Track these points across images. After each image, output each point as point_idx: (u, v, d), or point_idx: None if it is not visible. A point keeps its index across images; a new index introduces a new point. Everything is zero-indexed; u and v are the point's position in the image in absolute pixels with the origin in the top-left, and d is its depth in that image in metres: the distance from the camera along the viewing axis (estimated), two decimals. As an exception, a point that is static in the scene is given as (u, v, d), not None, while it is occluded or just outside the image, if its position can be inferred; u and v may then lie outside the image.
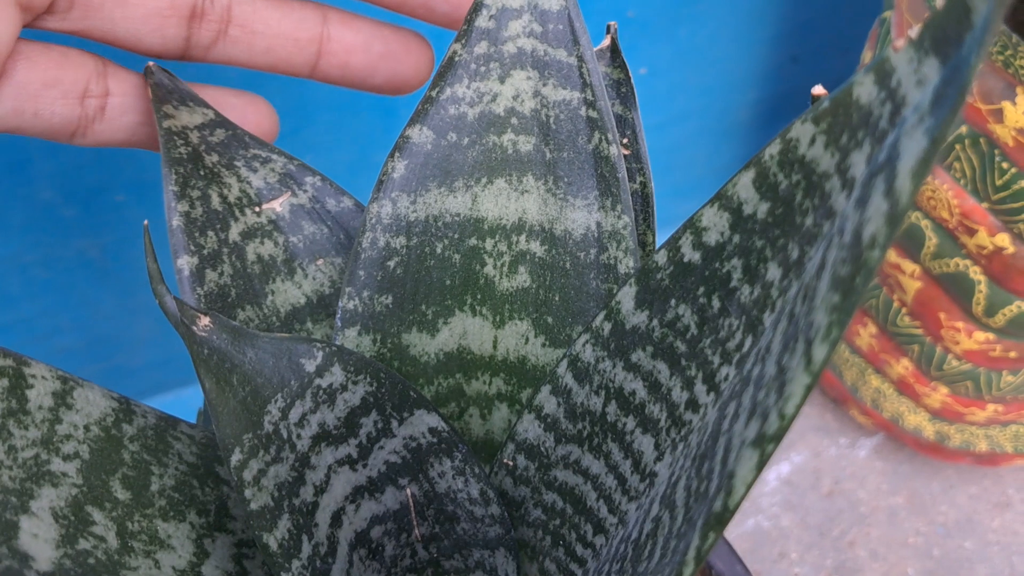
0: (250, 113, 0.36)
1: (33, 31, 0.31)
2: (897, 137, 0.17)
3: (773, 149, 0.22)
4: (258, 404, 0.24)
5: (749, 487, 0.19)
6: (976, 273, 0.50)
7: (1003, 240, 0.47)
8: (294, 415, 0.25)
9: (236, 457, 0.23)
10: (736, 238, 0.23)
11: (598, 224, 0.30)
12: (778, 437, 0.18)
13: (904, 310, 0.56)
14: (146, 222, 0.25)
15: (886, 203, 0.16)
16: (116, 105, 0.33)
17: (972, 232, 0.48)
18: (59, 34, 0.32)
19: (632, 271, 0.30)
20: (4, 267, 0.53)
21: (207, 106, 0.33)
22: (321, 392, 0.26)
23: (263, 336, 0.24)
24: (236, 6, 0.34)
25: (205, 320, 0.24)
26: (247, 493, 0.24)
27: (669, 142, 0.65)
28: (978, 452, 0.61)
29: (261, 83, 0.49)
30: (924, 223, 0.51)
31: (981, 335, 0.53)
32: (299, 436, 0.25)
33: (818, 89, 0.24)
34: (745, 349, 0.22)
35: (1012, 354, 0.53)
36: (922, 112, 0.17)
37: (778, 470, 0.66)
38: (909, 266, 0.53)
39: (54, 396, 0.25)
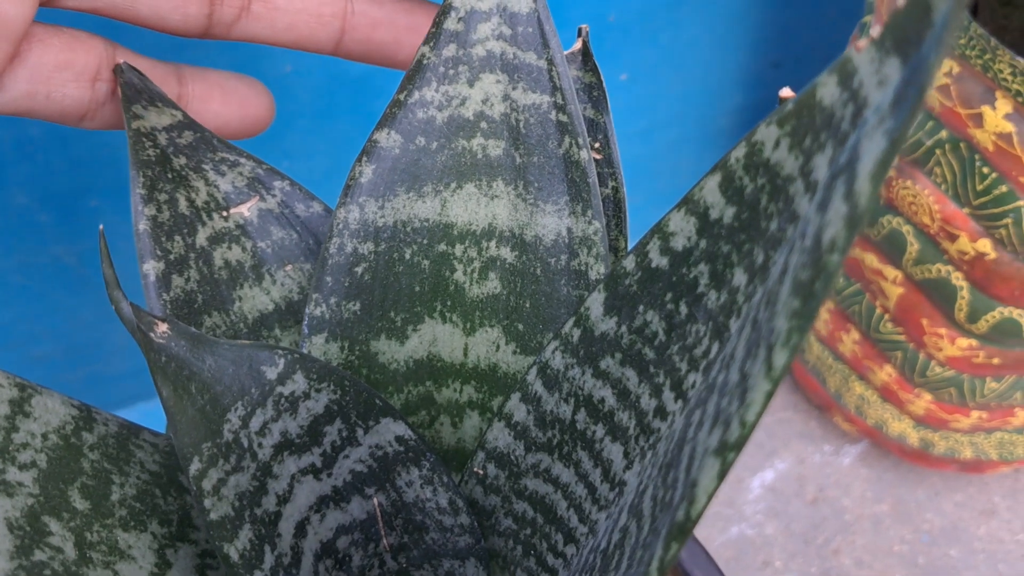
0: (251, 97, 0.35)
1: (51, 10, 0.31)
2: (858, 139, 0.17)
3: (739, 152, 0.21)
4: (217, 412, 0.24)
5: (711, 496, 0.18)
6: (958, 279, 0.50)
7: (984, 246, 0.47)
8: (255, 423, 0.25)
9: (195, 466, 0.23)
10: (703, 243, 0.23)
11: (569, 230, 0.29)
12: (739, 445, 0.18)
13: (887, 316, 0.55)
14: (101, 227, 0.25)
15: (845, 206, 0.16)
16: None
17: (954, 238, 0.48)
18: (78, 12, 0.32)
19: (603, 277, 0.29)
20: (-21, 274, 0.53)
21: (175, 107, 0.32)
22: (283, 400, 0.25)
23: (223, 343, 0.24)
24: None
25: (163, 327, 0.23)
26: (207, 503, 0.23)
27: (651, 148, 0.65)
28: (963, 459, 0.60)
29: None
30: (906, 228, 0.51)
31: (964, 341, 0.53)
32: (260, 445, 0.25)
33: (785, 91, 0.24)
34: (712, 355, 0.22)
35: (995, 360, 0.53)
36: (882, 113, 0.16)
37: (762, 477, 0.65)
38: (891, 272, 0.53)
39: (11, 404, 0.25)
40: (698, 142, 0.67)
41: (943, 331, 0.53)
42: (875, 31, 0.18)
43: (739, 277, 0.21)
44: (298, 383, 0.25)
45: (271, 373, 0.25)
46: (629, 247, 0.32)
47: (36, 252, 0.53)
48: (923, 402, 0.58)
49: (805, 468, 0.65)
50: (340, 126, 0.54)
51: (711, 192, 0.22)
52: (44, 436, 0.25)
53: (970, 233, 0.47)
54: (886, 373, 0.58)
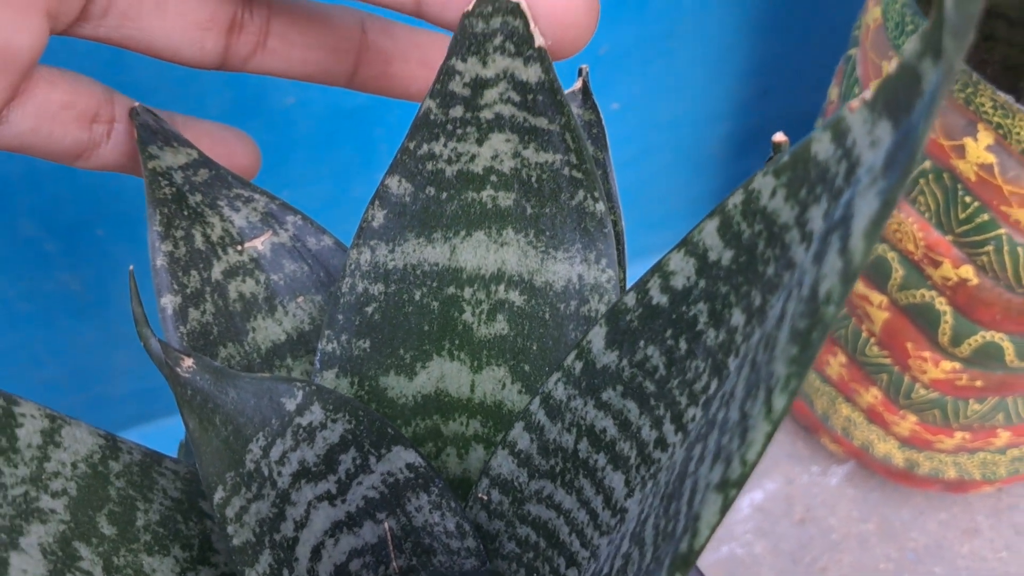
0: (238, 147, 0.36)
1: (64, 38, 0.32)
2: (852, 196, 0.18)
3: (736, 199, 0.23)
4: (240, 443, 0.25)
5: (713, 530, 0.20)
6: (942, 304, 0.51)
7: (967, 272, 0.49)
8: (275, 453, 0.26)
9: (219, 495, 0.24)
10: (702, 283, 0.24)
11: (580, 276, 0.30)
12: (740, 483, 0.19)
13: (872, 340, 0.57)
14: (131, 267, 0.26)
15: (841, 261, 0.17)
16: (119, 131, 0.34)
17: (937, 264, 0.49)
18: (91, 41, 0.32)
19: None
20: (-15, 299, 0.54)
21: (191, 146, 0.33)
22: (301, 430, 0.26)
23: (245, 376, 0.25)
24: (274, 18, 0.33)
25: (188, 362, 0.24)
26: (229, 529, 0.24)
27: (642, 175, 0.66)
28: (947, 479, 0.62)
29: (242, 116, 0.50)
30: (891, 255, 0.52)
31: (948, 364, 0.54)
32: (280, 473, 0.26)
33: (779, 136, 0.25)
34: (711, 391, 0.23)
35: (978, 383, 0.54)
36: (875, 174, 0.17)
37: (751, 497, 0.67)
38: (877, 297, 0.54)
39: (43, 434, 0.26)
40: (689, 168, 0.68)
41: (927, 354, 0.54)
42: (867, 93, 0.19)
43: (737, 317, 0.23)
44: (315, 414, 0.26)
45: (290, 404, 0.26)
46: (627, 278, 0.33)
47: (42, 279, 0.54)
48: (908, 423, 0.59)
49: (793, 488, 0.67)
50: (341, 156, 0.55)
51: (710, 235, 0.23)
52: (74, 465, 0.26)
53: (953, 260, 0.49)
54: (872, 395, 0.59)
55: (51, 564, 0.25)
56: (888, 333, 0.55)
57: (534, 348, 0.31)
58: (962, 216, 0.47)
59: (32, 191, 0.49)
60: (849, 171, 0.19)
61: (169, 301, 0.31)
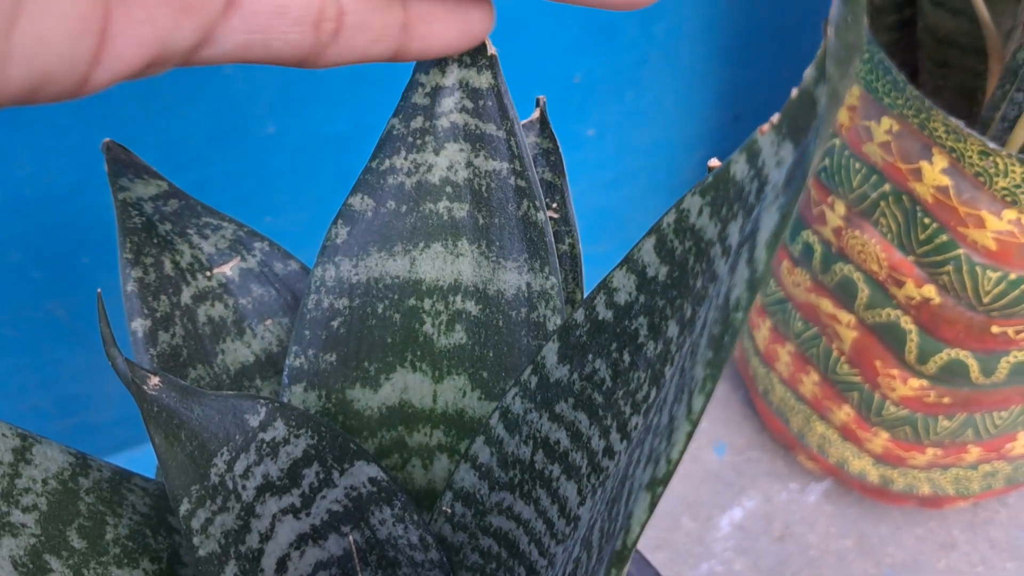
0: (474, 10, 0.31)
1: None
2: (759, 212, 0.19)
3: (670, 218, 0.24)
4: (205, 457, 0.26)
5: (643, 526, 0.21)
6: (907, 323, 0.52)
7: (930, 291, 0.50)
8: (239, 467, 0.27)
9: (184, 507, 0.25)
10: (642, 298, 0.25)
11: (528, 285, 0.32)
12: (666, 480, 0.20)
13: (843, 358, 0.58)
14: (99, 290, 0.27)
15: (748, 270, 0.18)
16: (351, 25, 0.29)
17: (900, 284, 0.51)
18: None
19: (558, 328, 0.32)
20: (-27, 328, 0.55)
21: (161, 178, 0.34)
22: (265, 445, 0.27)
23: (210, 394, 0.26)
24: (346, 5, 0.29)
25: (155, 380, 0.25)
26: (195, 540, 0.26)
27: (618, 200, 0.67)
28: (921, 495, 0.62)
29: (223, 145, 0.51)
30: (856, 275, 0.53)
31: (915, 382, 0.55)
32: (244, 487, 0.27)
33: (713, 162, 0.27)
34: (651, 400, 0.24)
35: (946, 400, 0.56)
36: (777, 190, 0.19)
37: (731, 515, 0.67)
38: (845, 316, 0.56)
39: (14, 452, 0.27)
40: (664, 193, 0.70)
41: (895, 372, 0.55)
42: (775, 117, 0.20)
43: (672, 329, 0.24)
44: (278, 429, 0.28)
45: (254, 421, 0.27)
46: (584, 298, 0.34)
47: (29, 307, 0.55)
48: (881, 440, 0.60)
49: (772, 506, 0.68)
50: (320, 184, 0.56)
51: (648, 252, 0.25)
52: (44, 481, 0.27)
53: (916, 279, 0.50)
54: (845, 413, 0.60)
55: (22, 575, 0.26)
56: (857, 351, 0.56)
57: (490, 355, 0.32)
58: (922, 237, 0.48)
59: (19, 219, 0.50)
60: (759, 189, 0.20)
61: (139, 325, 0.32)
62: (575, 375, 0.28)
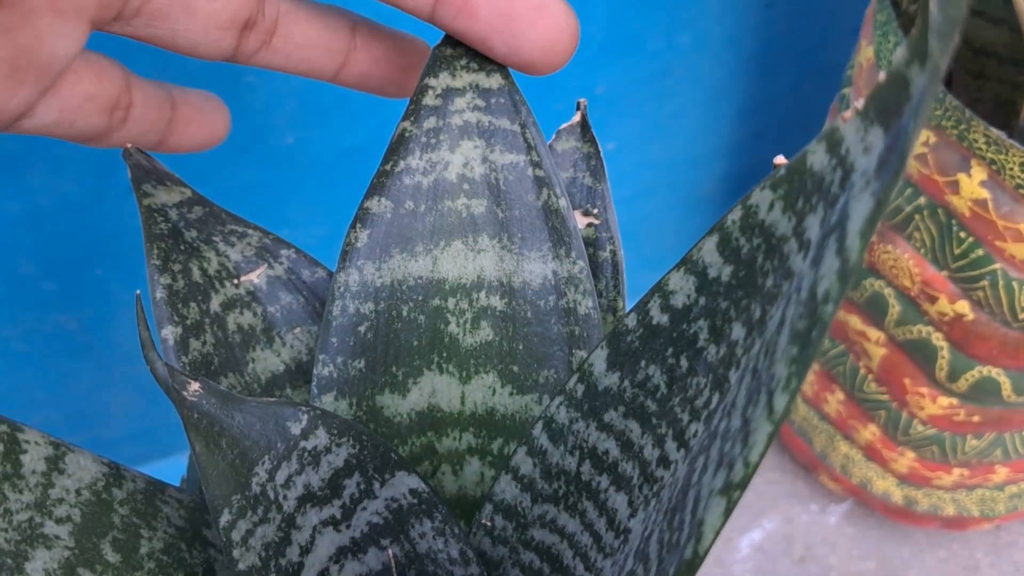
0: (217, 114, 0.37)
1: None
2: (847, 200, 0.19)
3: (735, 215, 0.23)
4: (246, 466, 0.25)
5: (717, 533, 0.20)
6: (938, 339, 0.51)
7: (963, 307, 0.49)
8: (280, 476, 0.26)
9: (225, 518, 0.24)
10: (702, 300, 0.24)
11: (554, 272, 0.31)
12: (743, 484, 0.19)
13: (870, 376, 0.57)
14: (138, 292, 0.26)
15: (838, 261, 0.18)
16: (135, 116, 0.34)
17: (933, 300, 0.50)
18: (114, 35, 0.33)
19: (592, 311, 0.31)
20: (-16, 341, 0.54)
21: (184, 185, 0.34)
22: (306, 454, 0.26)
23: (250, 400, 0.25)
24: (282, 18, 0.35)
25: (195, 386, 0.24)
26: (235, 553, 0.25)
27: (637, 214, 0.66)
28: (945, 516, 0.62)
29: (241, 155, 0.50)
30: (887, 291, 0.52)
31: (945, 400, 0.54)
32: (285, 497, 0.26)
33: (779, 159, 0.26)
34: (713, 406, 0.24)
35: (975, 419, 0.55)
36: (868, 177, 0.18)
37: (750, 537, 0.66)
38: (874, 333, 0.55)
39: (47, 461, 0.26)
40: (683, 209, 0.69)
41: (925, 390, 0.54)
42: (859, 103, 0.19)
43: (737, 331, 0.23)
44: (320, 438, 0.27)
45: (295, 428, 0.26)
46: (627, 307, 0.34)
47: (40, 320, 0.54)
48: (906, 460, 0.59)
49: (792, 527, 0.67)
50: (338, 194, 0.55)
51: (709, 252, 0.24)
52: (78, 492, 0.26)
53: (949, 295, 0.49)
54: (870, 432, 0.59)
55: (56, 588, 0.25)
56: (886, 369, 0.55)
57: (520, 348, 0.32)
58: (957, 251, 0.48)
59: (32, 230, 0.49)
60: (844, 178, 0.19)
61: (170, 332, 0.31)
62: (626, 382, 0.27)
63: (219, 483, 0.24)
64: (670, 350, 0.25)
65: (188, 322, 0.32)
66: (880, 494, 0.62)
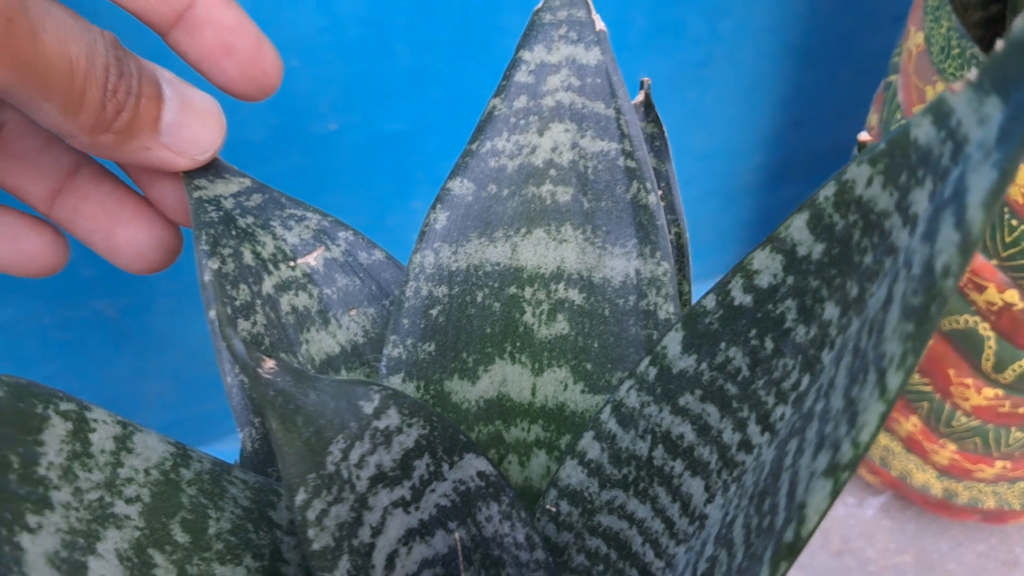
0: (31, 238, 0.36)
1: None
2: (963, 172, 0.18)
3: (828, 191, 0.22)
4: (321, 444, 0.24)
5: (823, 515, 0.19)
6: (985, 329, 0.51)
7: (1012, 296, 0.48)
8: (354, 456, 0.25)
9: (300, 497, 0.24)
10: (790, 279, 0.24)
11: (637, 271, 0.30)
12: (852, 465, 0.18)
13: (913, 367, 0.56)
14: (216, 266, 0.25)
15: (958, 234, 0.17)
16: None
17: (981, 289, 0.49)
18: None
19: (672, 316, 0.30)
20: (21, 328, 0.53)
21: (243, 175, 0.33)
22: (378, 434, 0.26)
23: (324, 379, 0.25)
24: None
25: (270, 363, 0.24)
26: (310, 533, 0.24)
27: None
28: (986, 509, 0.61)
29: (284, 142, 0.50)
30: (933, 280, 0.52)
31: (990, 391, 0.53)
32: (358, 477, 0.26)
33: (864, 135, 0.25)
34: (803, 387, 0.23)
35: (1021, 410, 0.54)
36: (988, 148, 0.17)
37: (786, 530, 0.66)
38: (918, 323, 0.54)
39: (115, 440, 0.25)
40: (720, 198, 0.68)
41: (969, 381, 0.54)
42: (971, 74, 0.19)
43: (831, 311, 0.22)
44: (391, 418, 0.26)
45: (368, 408, 0.26)
46: (692, 289, 0.33)
47: (77, 306, 0.54)
48: (947, 452, 0.58)
49: (829, 520, 0.66)
50: (380, 181, 0.55)
51: (798, 230, 0.23)
52: (146, 472, 0.26)
53: (998, 284, 0.49)
54: (911, 424, 0.59)
55: (127, 570, 0.24)
56: (930, 360, 0.55)
57: (595, 346, 0.31)
58: (1008, 240, 0.47)
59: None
60: (956, 150, 0.19)
61: (217, 314, 0.31)
62: (703, 365, 0.26)
63: (295, 461, 0.24)
64: (754, 331, 0.25)
65: (237, 303, 0.32)
66: (919, 486, 0.61)
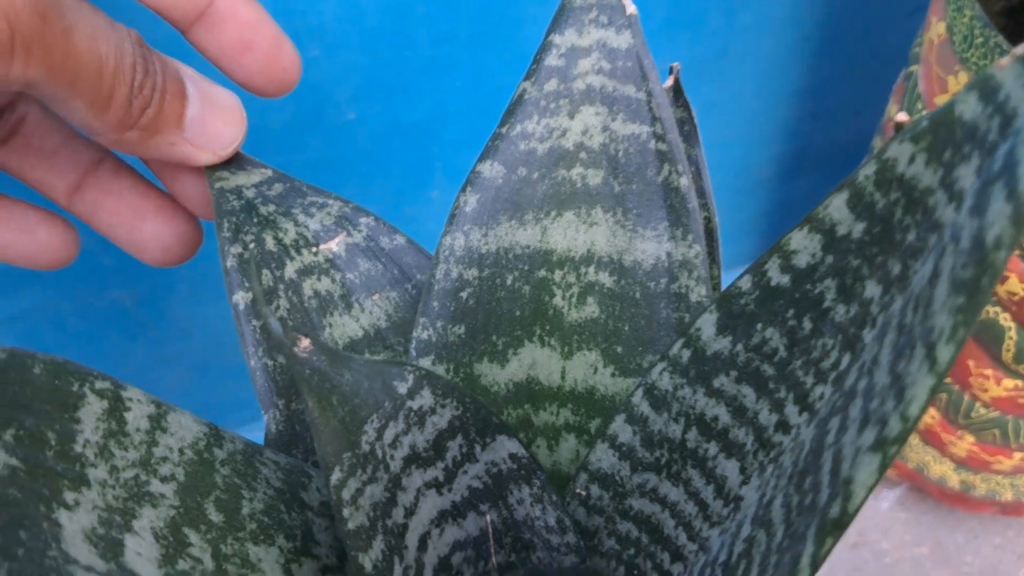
0: (43, 231, 0.36)
1: None
2: (1013, 146, 0.18)
3: (868, 170, 0.22)
4: (356, 424, 0.24)
5: (870, 490, 0.19)
6: (1006, 320, 0.51)
7: (1034, 286, 0.48)
8: (388, 436, 0.25)
9: (336, 476, 0.24)
10: (829, 259, 0.23)
11: (668, 254, 0.30)
12: (901, 439, 0.18)
13: (932, 358, 0.56)
14: (252, 244, 0.25)
15: (1009, 206, 0.17)
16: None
17: (1003, 279, 0.49)
18: None
19: (704, 299, 0.30)
20: (40, 316, 0.53)
21: (264, 166, 0.33)
22: (412, 414, 0.26)
23: (358, 358, 0.25)
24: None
25: (305, 342, 0.24)
26: (345, 512, 0.24)
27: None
28: (1003, 501, 0.61)
29: (302, 131, 0.50)
30: (953, 271, 0.51)
31: (1010, 382, 0.53)
32: (392, 457, 0.26)
33: (902, 116, 0.25)
34: (843, 366, 0.23)
35: (1040, 401, 0.54)
36: (1043, 120, 0.17)
37: (802, 522, 0.66)
38: (938, 314, 0.54)
39: (150, 419, 0.25)
40: (736, 190, 0.68)
41: (989, 372, 0.54)
42: (1019, 49, 0.19)
43: (872, 289, 0.22)
44: (425, 398, 0.26)
45: (402, 388, 0.26)
46: (721, 274, 0.33)
47: (95, 295, 0.54)
48: (965, 444, 0.58)
49: (845, 512, 0.66)
50: (399, 170, 0.55)
51: (838, 209, 0.23)
52: (180, 451, 0.26)
53: (1020, 274, 0.48)
54: (929, 415, 0.58)
55: (163, 548, 0.24)
56: (948, 350, 0.54)
57: (626, 329, 0.31)
58: (1028, 228, 0.47)
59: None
60: (1004, 124, 0.19)
61: (241, 297, 0.31)
62: (739, 346, 0.26)
63: (331, 440, 0.23)
64: (791, 311, 0.25)
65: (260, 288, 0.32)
66: (936, 479, 0.61)
